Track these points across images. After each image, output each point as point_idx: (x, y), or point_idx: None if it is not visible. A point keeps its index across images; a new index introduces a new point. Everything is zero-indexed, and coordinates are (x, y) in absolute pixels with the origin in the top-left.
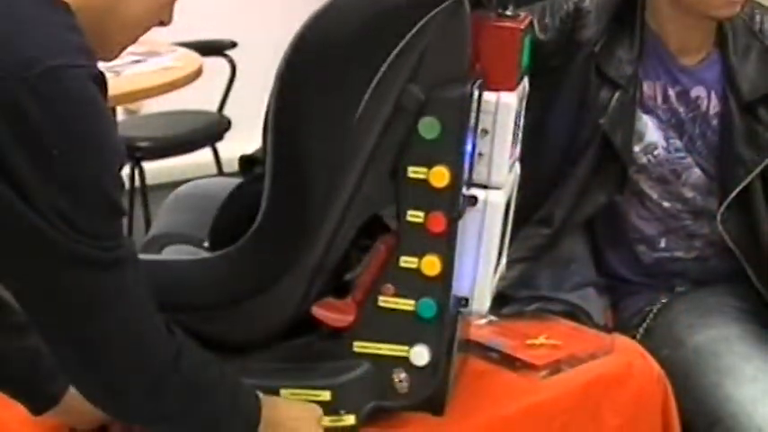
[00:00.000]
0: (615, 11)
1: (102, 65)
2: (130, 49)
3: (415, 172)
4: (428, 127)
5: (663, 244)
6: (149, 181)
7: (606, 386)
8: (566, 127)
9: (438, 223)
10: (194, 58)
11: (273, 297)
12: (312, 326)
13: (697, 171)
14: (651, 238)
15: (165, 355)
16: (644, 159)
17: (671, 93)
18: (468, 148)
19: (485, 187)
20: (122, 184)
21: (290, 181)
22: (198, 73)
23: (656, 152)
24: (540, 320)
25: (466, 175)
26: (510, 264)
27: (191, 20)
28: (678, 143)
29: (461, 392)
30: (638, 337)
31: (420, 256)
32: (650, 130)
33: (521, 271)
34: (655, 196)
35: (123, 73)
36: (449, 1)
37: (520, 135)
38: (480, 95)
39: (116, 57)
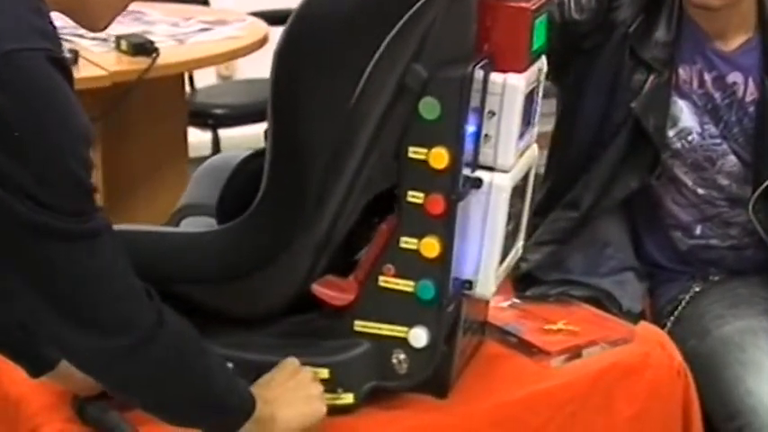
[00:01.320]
0: None
1: (166, 32)
2: (200, 17)
3: (415, 152)
4: (428, 107)
5: (698, 231)
6: (225, 148)
7: (620, 375)
8: (598, 110)
9: (437, 205)
10: (260, 28)
11: (275, 272)
12: (316, 303)
13: (732, 158)
14: (687, 224)
15: (146, 322)
16: (678, 144)
17: (707, 78)
18: (472, 129)
19: (491, 170)
20: (90, 164)
21: (289, 158)
22: (262, 42)
23: (690, 137)
24: (563, 306)
25: (470, 158)
26: (535, 246)
27: None
28: (713, 129)
29: (470, 376)
30: (668, 325)
31: (419, 237)
32: (685, 115)
33: (546, 254)
34: (689, 183)
35: (187, 41)
36: None
37: (536, 118)
38: (487, 76)
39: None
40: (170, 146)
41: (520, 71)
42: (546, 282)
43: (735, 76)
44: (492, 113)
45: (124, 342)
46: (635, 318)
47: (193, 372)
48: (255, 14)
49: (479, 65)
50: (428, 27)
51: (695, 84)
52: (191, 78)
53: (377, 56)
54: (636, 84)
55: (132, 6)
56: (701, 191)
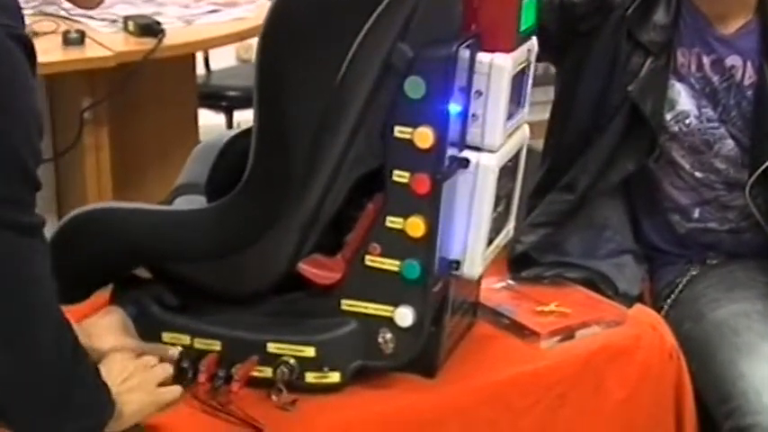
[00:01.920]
0: None
1: (176, 13)
2: None
3: (400, 131)
4: (413, 86)
5: (696, 214)
6: None
7: (611, 357)
8: (595, 93)
9: (422, 185)
10: None
11: (263, 250)
12: (304, 282)
13: (730, 142)
14: (685, 207)
15: (50, 332)
16: (675, 128)
17: (705, 61)
18: (458, 109)
19: (479, 150)
20: (39, 157)
21: (275, 136)
22: None
23: (687, 121)
24: (556, 287)
25: (457, 137)
26: (531, 228)
27: None
28: (711, 113)
29: (459, 356)
30: (665, 308)
31: (405, 216)
32: (683, 99)
33: (541, 236)
34: (687, 166)
35: (195, 22)
36: None
37: (526, 98)
38: (473, 56)
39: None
40: (180, 127)
41: (507, 51)
42: (542, 263)
43: (733, 60)
44: (479, 93)
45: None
46: (631, 300)
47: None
48: None
49: (465, 44)
50: (414, 6)
51: (693, 67)
52: (206, 60)
53: (362, 35)
54: (633, 67)
55: None
56: (698, 174)
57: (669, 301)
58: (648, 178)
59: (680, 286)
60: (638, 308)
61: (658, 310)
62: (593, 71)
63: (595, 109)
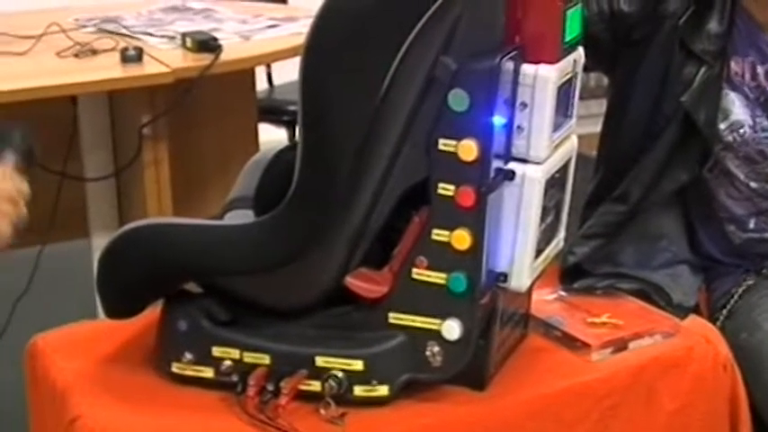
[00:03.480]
0: None
1: (234, 29)
2: (269, 14)
3: (445, 144)
4: (457, 99)
5: (752, 225)
6: None
7: (663, 369)
8: (648, 102)
9: (467, 197)
10: None
11: (309, 265)
12: (352, 296)
13: None
14: (740, 217)
15: None
16: (729, 138)
17: (759, 70)
18: (503, 121)
19: (524, 162)
20: None
21: (320, 150)
22: None
23: (741, 130)
24: (609, 298)
25: (502, 150)
26: (583, 239)
27: None
28: (766, 122)
29: (510, 369)
30: (721, 318)
31: (451, 229)
32: (737, 108)
33: (594, 247)
34: (742, 176)
35: (253, 38)
36: None
37: (573, 109)
38: (517, 68)
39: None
40: (239, 141)
41: (552, 62)
42: (595, 274)
43: None
44: (524, 105)
45: None
46: (687, 311)
47: None
48: None
49: (509, 56)
50: (456, 19)
51: (747, 76)
52: (269, 75)
53: (404, 48)
54: (686, 76)
55: (204, 4)
56: (753, 184)
57: (725, 311)
58: (703, 188)
59: (735, 296)
60: (692, 319)
61: (714, 320)
62: (646, 81)
63: (648, 119)
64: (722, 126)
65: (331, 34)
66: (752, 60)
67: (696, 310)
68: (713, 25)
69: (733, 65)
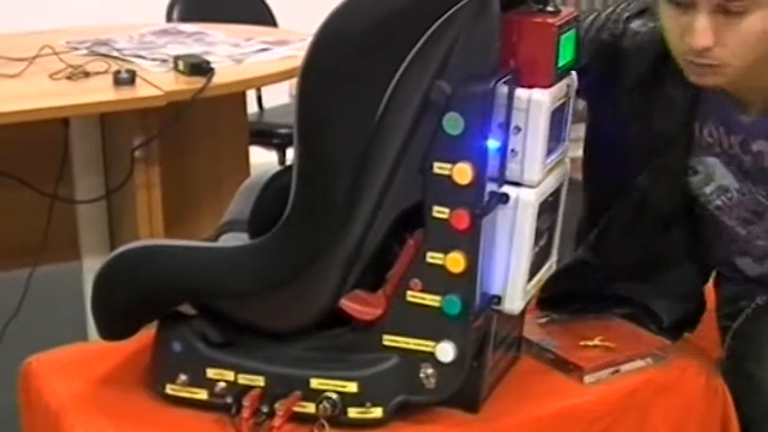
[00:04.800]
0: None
1: (226, 52)
2: (261, 37)
3: (440, 167)
4: (452, 123)
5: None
6: None
7: (655, 392)
8: (617, 148)
9: (462, 220)
10: None
11: (304, 287)
12: (346, 317)
13: None
14: (756, 256)
15: None
16: (718, 201)
17: (734, 141)
18: (497, 145)
19: (518, 185)
20: None
21: (315, 172)
22: None
23: (728, 195)
24: (601, 321)
25: (496, 173)
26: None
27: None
28: (752, 186)
29: (503, 391)
30: (729, 333)
31: (445, 252)
32: (719, 172)
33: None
34: (743, 233)
35: (245, 61)
36: None
37: (566, 134)
38: (511, 92)
39: None
40: (230, 165)
41: (546, 87)
42: (584, 297)
43: (760, 145)
44: (518, 129)
45: None
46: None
47: None
48: None
49: (503, 80)
50: (452, 43)
51: (725, 144)
52: (259, 98)
53: (400, 71)
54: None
55: (196, 27)
56: (760, 242)
57: (734, 326)
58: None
59: (743, 314)
60: (684, 342)
61: (721, 326)
62: (615, 126)
63: (618, 163)
64: (707, 190)
65: (328, 57)
66: (725, 131)
67: (702, 300)
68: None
69: (705, 133)
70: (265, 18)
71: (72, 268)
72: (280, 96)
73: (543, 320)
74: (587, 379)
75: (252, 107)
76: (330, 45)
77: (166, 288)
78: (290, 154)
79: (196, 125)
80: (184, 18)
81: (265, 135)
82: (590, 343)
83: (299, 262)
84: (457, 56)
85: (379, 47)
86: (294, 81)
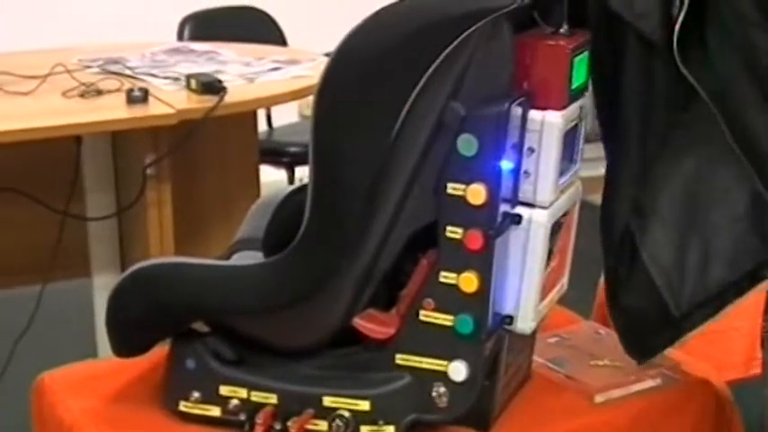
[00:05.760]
0: None
1: (237, 71)
2: (272, 57)
3: (453, 188)
4: (466, 144)
5: None
6: None
7: (664, 411)
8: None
9: (475, 240)
10: None
11: (317, 305)
12: (359, 336)
13: None
14: None
15: None
16: None
17: None
18: (511, 166)
19: (531, 206)
20: None
21: (330, 192)
22: None
23: None
24: (611, 341)
25: (509, 194)
26: None
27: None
28: None
29: (514, 410)
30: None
31: (458, 272)
32: None
33: None
34: None
35: (257, 80)
36: (486, 18)
37: (578, 155)
38: (525, 114)
39: None
40: (241, 183)
41: (559, 109)
42: None
43: None
44: (531, 150)
45: None
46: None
47: None
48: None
49: (517, 102)
50: (466, 65)
51: None
52: (269, 117)
53: (415, 93)
54: None
55: (207, 46)
56: None
57: None
58: None
59: None
60: (692, 361)
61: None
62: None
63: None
64: None
65: (344, 77)
66: None
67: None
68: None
69: None
70: (275, 37)
71: (83, 285)
72: (289, 115)
73: (554, 340)
74: (597, 398)
75: (261, 126)
76: (346, 67)
77: (181, 305)
78: (300, 172)
79: (207, 144)
80: (195, 37)
81: (275, 154)
82: (600, 363)
83: (313, 281)
84: (471, 78)
85: (394, 69)
86: (304, 101)
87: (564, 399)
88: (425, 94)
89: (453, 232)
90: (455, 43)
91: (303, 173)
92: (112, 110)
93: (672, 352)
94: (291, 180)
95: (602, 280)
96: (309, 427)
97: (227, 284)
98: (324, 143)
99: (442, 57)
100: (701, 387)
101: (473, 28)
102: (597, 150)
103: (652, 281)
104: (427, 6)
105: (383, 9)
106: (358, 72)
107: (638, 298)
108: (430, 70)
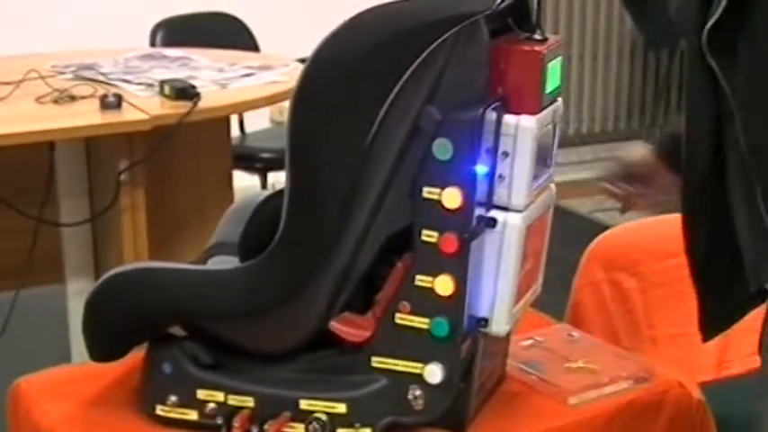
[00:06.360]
0: None
1: (210, 77)
2: (245, 62)
3: (429, 192)
4: (441, 148)
5: None
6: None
7: (638, 413)
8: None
9: (450, 244)
10: None
11: (294, 309)
12: (335, 339)
13: None
14: None
15: None
16: None
17: None
18: (485, 170)
19: (505, 209)
20: None
21: (306, 197)
22: None
23: None
24: (584, 344)
25: (484, 198)
26: None
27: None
28: None
29: (489, 413)
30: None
31: (434, 275)
32: None
33: None
34: None
35: (230, 86)
36: (463, 24)
37: (552, 159)
38: (500, 118)
39: None
40: (215, 188)
41: (533, 113)
42: None
43: None
44: (506, 154)
45: None
46: None
47: None
48: (304, 60)
49: (492, 107)
50: (441, 70)
51: None
52: (241, 123)
53: (391, 98)
54: None
55: (180, 52)
56: None
57: None
58: None
59: None
60: (665, 363)
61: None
62: None
63: None
64: None
65: (321, 83)
66: None
67: None
68: None
69: None
70: (247, 43)
71: (57, 291)
72: (261, 121)
73: (528, 343)
74: (571, 401)
75: (234, 131)
76: (322, 72)
77: (157, 310)
78: (272, 178)
79: (181, 149)
80: (168, 43)
81: (247, 159)
82: (574, 365)
83: (289, 284)
84: (446, 82)
85: (370, 74)
86: (275, 107)
87: (538, 401)
88: (401, 99)
89: (429, 236)
90: (431, 48)
91: (276, 178)
92: (86, 116)
93: (644, 354)
94: (264, 185)
95: (575, 282)
96: (286, 430)
97: (204, 289)
98: (300, 147)
99: (417, 62)
100: (674, 389)
101: (448, 33)
102: (571, 155)
103: None
104: (403, 12)
105: (359, 14)
106: (334, 77)
107: None
108: (406, 75)
